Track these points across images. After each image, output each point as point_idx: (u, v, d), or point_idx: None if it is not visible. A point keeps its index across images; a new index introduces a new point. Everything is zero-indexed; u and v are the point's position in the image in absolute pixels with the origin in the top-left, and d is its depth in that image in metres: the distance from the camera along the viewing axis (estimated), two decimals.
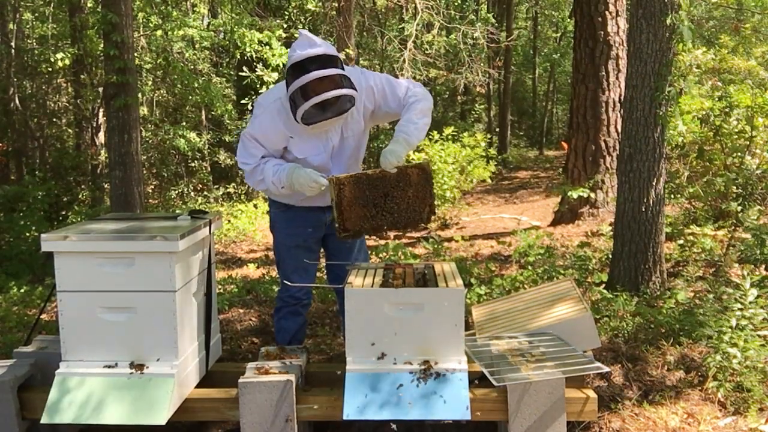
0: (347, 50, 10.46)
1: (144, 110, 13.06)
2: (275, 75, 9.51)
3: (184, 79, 10.84)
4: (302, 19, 14.02)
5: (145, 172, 11.86)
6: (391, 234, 8.59)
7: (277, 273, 3.33)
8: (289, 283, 3.03)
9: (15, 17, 12.13)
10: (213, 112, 12.22)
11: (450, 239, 7.48)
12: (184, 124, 13.07)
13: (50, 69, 11.45)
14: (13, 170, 12.29)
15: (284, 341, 3.15)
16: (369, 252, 3.59)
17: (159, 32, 10.87)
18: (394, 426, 2.45)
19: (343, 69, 2.68)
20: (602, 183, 7.52)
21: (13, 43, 11.44)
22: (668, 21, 4.00)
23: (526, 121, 23.49)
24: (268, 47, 9.73)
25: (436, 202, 2.92)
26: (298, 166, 2.82)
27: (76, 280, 2.50)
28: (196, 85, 10.70)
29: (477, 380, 2.58)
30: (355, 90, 2.70)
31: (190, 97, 11.59)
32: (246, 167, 2.90)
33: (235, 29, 9.66)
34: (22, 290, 6.62)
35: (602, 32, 7.45)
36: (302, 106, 2.63)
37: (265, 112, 2.84)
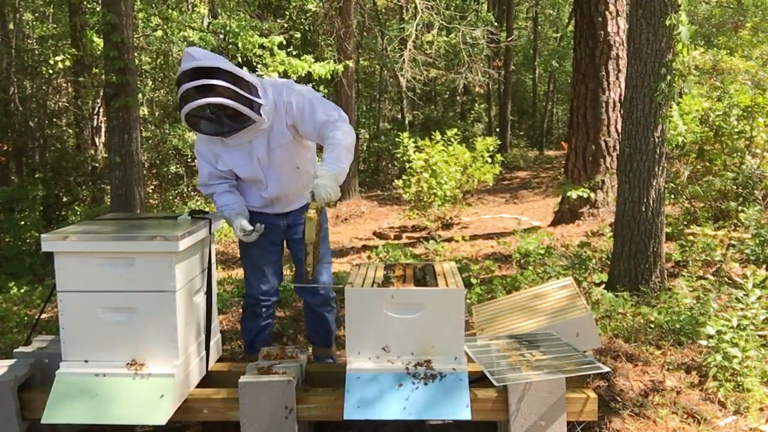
0: (347, 62, 10.46)
1: (144, 110, 13.05)
2: (275, 75, 9.50)
3: None
4: (302, 20, 14.03)
5: (145, 172, 11.84)
6: (391, 234, 8.60)
7: None
8: (289, 284, 3.03)
9: (15, 17, 12.14)
10: None
11: (450, 239, 7.48)
12: (183, 124, 13.05)
13: (50, 71, 11.45)
14: (14, 170, 12.29)
15: (246, 340, 3.24)
16: (367, 252, 3.59)
17: (159, 33, 10.86)
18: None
19: (232, 81, 2.62)
20: (602, 183, 7.52)
21: (13, 43, 11.45)
22: (668, 21, 4.00)
23: (526, 121, 23.46)
24: (269, 53, 9.72)
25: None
26: (236, 213, 2.94)
27: (76, 280, 2.50)
28: None
29: (477, 380, 2.57)
30: (243, 103, 2.65)
31: None
32: (199, 182, 3.09)
33: (237, 32, 9.63)
34: (22, 290, 6.63)
35: (602, 32, 7.45)
36: (181, 111, 2.69)
37: (198, 134, 2.93)
